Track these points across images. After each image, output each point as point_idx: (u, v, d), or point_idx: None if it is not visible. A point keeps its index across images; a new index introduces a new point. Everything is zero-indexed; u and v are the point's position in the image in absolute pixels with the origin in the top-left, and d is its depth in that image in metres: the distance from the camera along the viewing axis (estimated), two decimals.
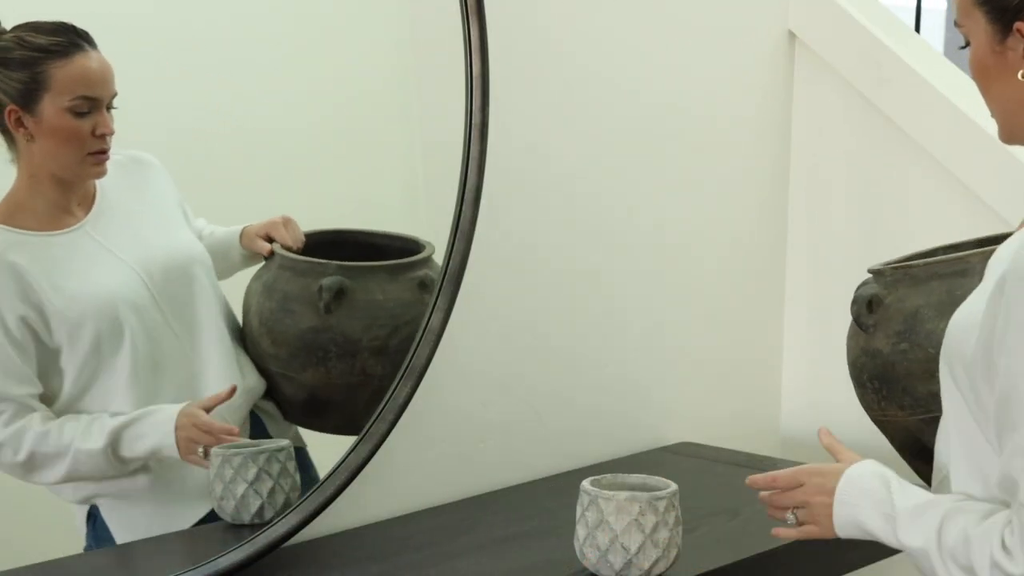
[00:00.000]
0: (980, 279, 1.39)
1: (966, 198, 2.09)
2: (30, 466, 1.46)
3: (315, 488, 1.60)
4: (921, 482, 1.49)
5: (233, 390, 1.57)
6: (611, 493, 1.45)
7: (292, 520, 1.57)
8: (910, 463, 1.61)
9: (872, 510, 1.30)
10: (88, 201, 1.49)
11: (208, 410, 1.55)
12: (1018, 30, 1.21)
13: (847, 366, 1.63)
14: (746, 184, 2.30)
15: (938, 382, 1.36)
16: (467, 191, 1.70)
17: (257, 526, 1.57)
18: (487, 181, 1.72)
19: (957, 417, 1.28)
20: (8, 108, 1.39)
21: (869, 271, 1.64)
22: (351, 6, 1.74)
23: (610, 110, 2.03)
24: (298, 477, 1.63)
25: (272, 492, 1.59)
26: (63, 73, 1.41)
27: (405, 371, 1.67)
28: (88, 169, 1.48)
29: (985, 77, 1.26)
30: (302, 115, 1.66)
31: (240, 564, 1.52)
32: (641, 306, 2.13)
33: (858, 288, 1.60)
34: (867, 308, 1.55)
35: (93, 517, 1.52)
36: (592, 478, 1.51)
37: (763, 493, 1.42)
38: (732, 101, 2.24)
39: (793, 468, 1.39)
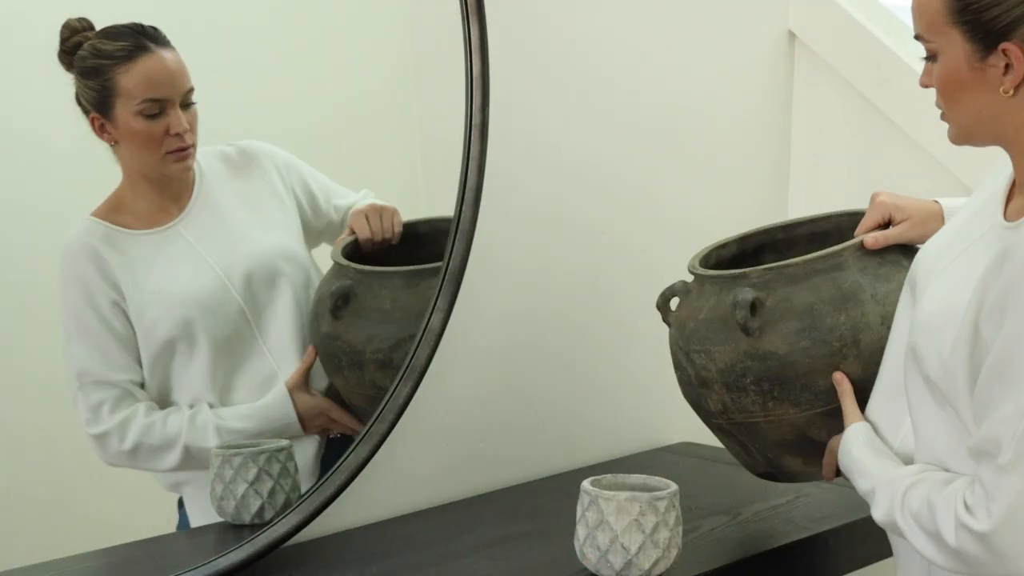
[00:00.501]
0: (857, 270, 1.55)
1: (966, 198, 2.09)
2: (136, 455, 1.53)
3: (315, 488, 1.61)
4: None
5: (314, 351, 1.61)
6: (611, 493, 1.45)
7: (292, 520, 1.57)
8: (778, 458, 1.62)
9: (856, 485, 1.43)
10: (185, 198, 1.54)
11: (305, 381, 1.62)
12: (1004, 50, 1.23)
13: (693, 376, 1.59)
14: (746, 184, 2.30)
15: (843, 372, 1.53)
16: (467, 191, 1.71)
17: (257, 526, 1.57)
18: (487, 181, 1.72)
19: (924, 413, 1.36)
20: (91, 115, 1.45)
21: (696, 272, 1.63)
22: (351, 6, 1.74)
23: (610, 110, 2.03)
24: (298, 477, 1.63)
25: (272, 492, 1.59)
26: (127, 78, 1.45)
27: (405, 371, 1.67)
28: (171, 167, 1.52)
29: (957, 90, 1.30)
30: (302, 115, 1.66)
31: (240, 564, 1.52)
32: (641, 306, 2.13)
33: (732, 293, 1.56)
34: (751, 312, 1.55)
35: (182, 503, 1.59)
36: (592, 478, 1.51)
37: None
38: (732, 101, 2.25)
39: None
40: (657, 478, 1.52)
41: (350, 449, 1.63)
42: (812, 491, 1.82)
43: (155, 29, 1.47)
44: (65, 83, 1.45)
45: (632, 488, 1.51)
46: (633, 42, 2.06)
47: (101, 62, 1.44)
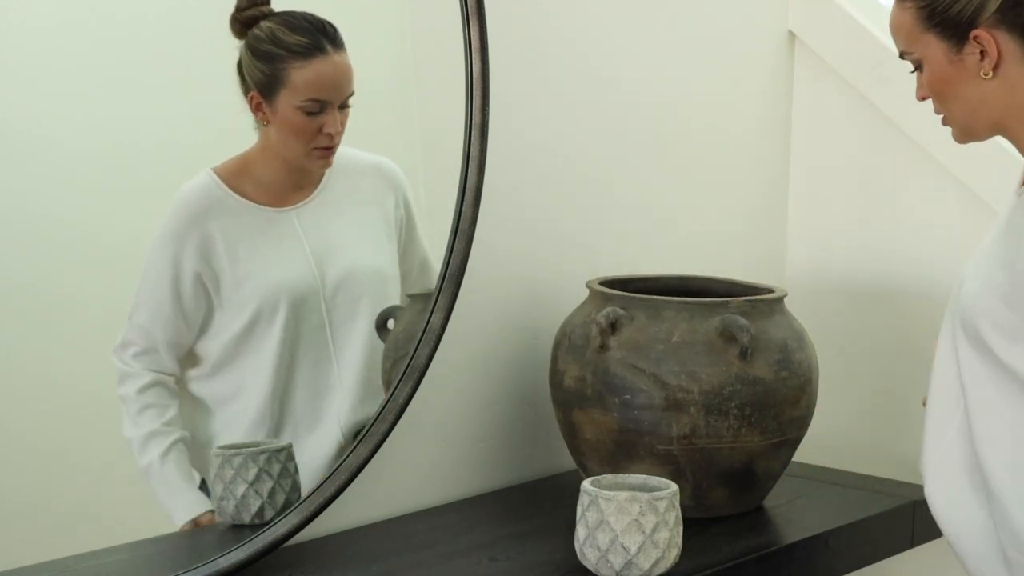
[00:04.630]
0: (791, 317, 1.71)
1: (966, 198, 2.09)
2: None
3: (315, 488, 1.61)
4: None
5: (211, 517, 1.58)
6: (611, 493, 1.45)
7: (292, 520, 1.57)
8: (709, 490, 1.67)
9: None
10: (309, 189, 1.57)
11: None
12: (974, 37, 1.38)
13: (659, 398, 1.62)
14: (746, 184, 2.30)
15: (801, 407, 1.66)
16: (467, 191, 1.71)
17: (257, 526, 1.57)
18: (487, 181, 1.72)
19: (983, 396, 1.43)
20: (251, 93, 1.50)
21: (649, 298, 1.68)
22: (351, 6, 1.74)
23: (610, 110, 2.03)
24: (298, 477, 1.63)
25: (272, 492, 1.59)
26: (299, 75, 1.49)
27: (405, 371, 1.67)
28: (313, 161, 1.56)
29: (946, 87, 1.44)
30: None
31: (240, 564, 1.52)
32: None
33: (720, 319, 1.62)
34: (748, 336, 1.59)
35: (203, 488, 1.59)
36: (592, 478, 1.51)
37: None
38: (732, 101, 2.25)
39: None
40: (657, 478, 1.52)
41: (350, 449, 1.63)
42: (812, 491, 1.82)
43: (334, 28, 1.51)
44: (66, 83, 1.45)
45: (632, 488, 1.51)
46: (633, 42, 2.06)
47: (277, 51, 1.48)
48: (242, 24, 1.47)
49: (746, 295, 1.73)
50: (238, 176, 1.52)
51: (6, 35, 1.41)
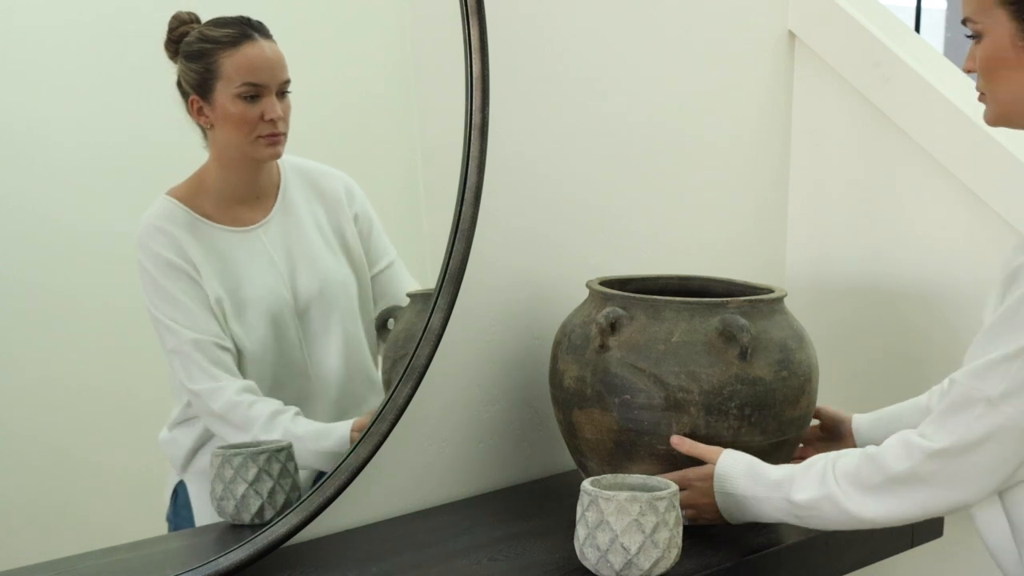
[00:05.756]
0: (791, 316, 1.72)
1: (966, 198, 2.09)
2: (218, 422, 1.56)
3: (315, 488, 1.61)
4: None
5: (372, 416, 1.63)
6: (611, 493, 1.45)
7: (292, 520, 1.57)
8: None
9: (752, 497, 1.53)
10: (268, 200, 1.59)
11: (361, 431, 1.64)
12: None
13: (659, 398, 1.62)
14: (746, 184, 2.30)
15: (801, 407, 1.67)
16: (467, 191, 1.71)
17: (257, 526, 1.57)
18: (487, 181, 1.72)
19: None
20: (191, 98, 1.50)
21: (647, 298, 1.67)
22: (351, 6, 1.74)
23: (610, 110, 2.03)
24: (298, 477, 1.63)
25: (272, 492, 1.59)
26: (231, 62, 1.51)
27: (405, 371, 1.67)
28: (261, 150, 1.56)
29: (999, 67, 1.39)
30: (302, 116, 1.66)
31: (240, 564, 1.52)
32: None
33: (719, 319, 1.63)
34: (748, 336, 1.59)
35: (176, 494, 1.58)
36: (592, 478, 1.51)
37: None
38: (732, 101, 2.25)
39: (679, 472, 1.60)
40: (657, 478, 1.53)
41: (350, 449, 1.63)
42: None
43: (260, 23, 1.54)
44: (66, 83, 1.45)
45: (632, 488, 1.51)
46: (633, 42, 2.06)
47: (207, 46, 1.50)
48: (175, 43, 1.49)
49: (746, 295, 1.73)
50: (196, 196, 1.52)
51: (6, 35, 1.41)
